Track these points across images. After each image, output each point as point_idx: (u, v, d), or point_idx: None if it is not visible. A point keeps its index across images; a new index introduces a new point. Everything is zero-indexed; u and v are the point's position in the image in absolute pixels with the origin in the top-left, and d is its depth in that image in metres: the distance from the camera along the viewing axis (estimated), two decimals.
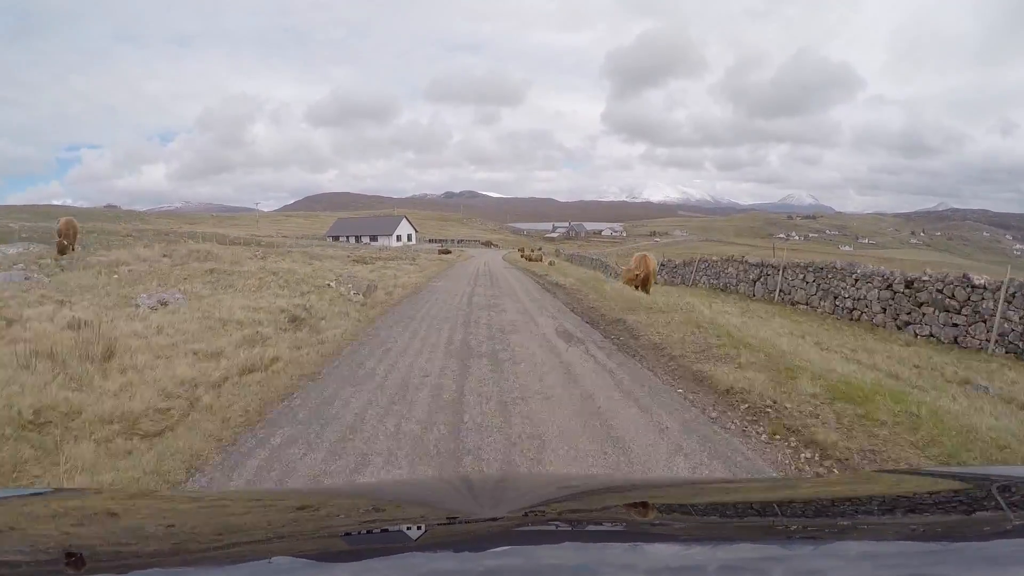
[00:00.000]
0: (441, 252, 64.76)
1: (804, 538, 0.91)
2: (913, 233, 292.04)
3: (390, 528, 1.00)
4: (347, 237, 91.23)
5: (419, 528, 0.96)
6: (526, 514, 1.07)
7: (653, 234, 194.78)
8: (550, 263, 39.13)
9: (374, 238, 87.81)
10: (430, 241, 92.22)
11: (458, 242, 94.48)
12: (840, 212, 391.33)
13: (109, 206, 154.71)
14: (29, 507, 1.12)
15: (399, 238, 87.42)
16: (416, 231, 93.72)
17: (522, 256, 57.55)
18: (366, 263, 30.14)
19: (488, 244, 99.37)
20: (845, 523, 1.05)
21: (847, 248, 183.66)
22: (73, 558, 0.81)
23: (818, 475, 3.46)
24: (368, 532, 0.98)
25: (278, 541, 0.94)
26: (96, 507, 1.20)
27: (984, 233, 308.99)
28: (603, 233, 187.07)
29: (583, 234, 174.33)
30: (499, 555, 0.76)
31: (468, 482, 1.83)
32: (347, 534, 0.96)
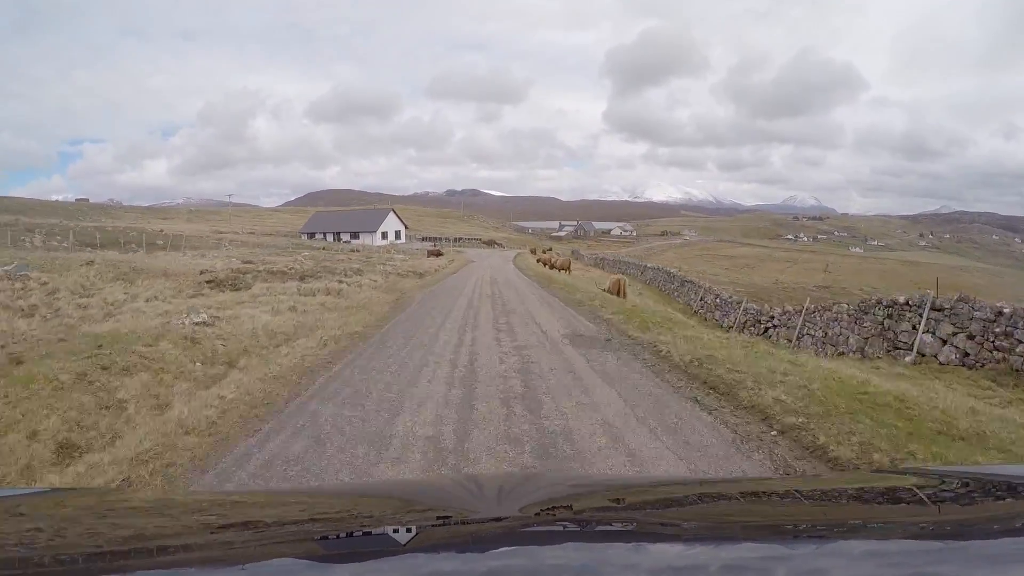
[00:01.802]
0: (430, 255, 47.96)
1: (807, 537, 0.89)
2: (921, 235, 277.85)
3: (395, 528, 0.96)
4: (324, 234, 74.33)
5: (422, 528, 0.94)
6: (531, 514, 1.05)
7: (664, 233, 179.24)
8: (620, 288, 19.30)
9: (355, 235, 70.89)
10: (423, 239, 75.48)
11: (455, 241, 77.40)
12: (846, 214, 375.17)
13: (80, 199, 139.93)
14: (29, 507, 1.10)
15: (384, 235, 70.45)
16: (406, 227, 76.72)
17: (538, 261, 40.93)
18: (234, 288, 13.51)
19: (491, 244, 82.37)
20: (848, 522, 1.01)
21: (857, 250, 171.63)
22: (72, 558, 0.80)
23: (822, 474, 3.28)
24: (371, 532, 0.95)
25: (279, 541, 0.91)
26: (95, 507, 1.19)
27: (993, 236, 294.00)
28: (612, 232, 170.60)
29: (592, 233, 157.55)
30: (502, 555, 0.75)
31: (475, 481, 1.76)
32: (350, 534, 0.94)
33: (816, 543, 0.83)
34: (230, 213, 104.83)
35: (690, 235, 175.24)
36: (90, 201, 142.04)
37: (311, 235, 75.30)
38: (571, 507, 1.15)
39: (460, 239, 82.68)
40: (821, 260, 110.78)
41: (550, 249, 64.32)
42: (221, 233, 75.62)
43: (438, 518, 1.03)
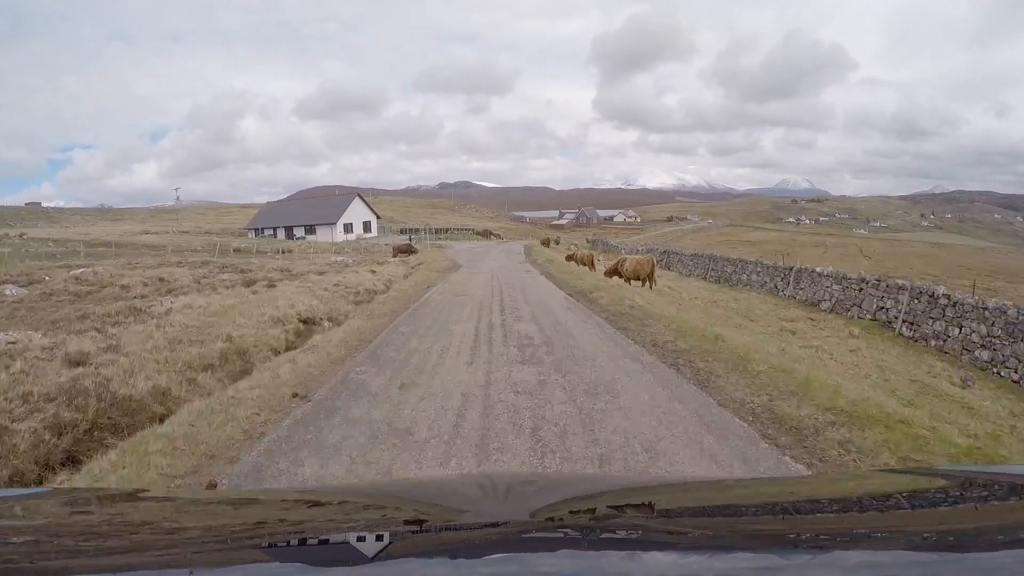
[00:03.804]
0: (397, 253, 30.72)
1: (803, 546, 0.85)
2: (923, 216, 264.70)
3: (387, 531, 0.94)
4: (274, 230, 56.60)
5: (415, 532, 0.92)
6: (530, 519, 1.03)
7: (671, 219, 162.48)
8: None
9: (310, 229, 53.02)
10: (402, 231, 57.98)
11: (437, 232, 59.32)
12: (843, 196, 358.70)
13: (31, 204, 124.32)
14: (30, 507, 1.09)
15: (348, 228, 52.48)
16: (378, 217, 58.71)
17: (569, 260, 20.89)
18: None
19: (487, 235, 64.50)
20: (852, 530, 0.98)
21: (862, 231, 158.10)
22: (74, 558, 0.79)
23: (831, 473, 3.01)
24: (364, 535, 0.93)
25: (276, 543, 0.90)
26: (95, 508, 1.17)
27: (995, 215, 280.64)
28: (615, 219, 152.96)
29: (595, 220, 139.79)
30: (494, 562, 0.74)
31: (478, 482, 1.69)
32: (345, 538, 0.92)
33: (812, 553, 0.80)
34: (177, 212, 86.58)
35: (696, 220, 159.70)
36: (42, 204, 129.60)
37: (258, 231, 57.59)
38: (572, 512, 1.10)
39: (448, 230, 64.81)
40: (847, 243, 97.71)
41: (557, 241, 46.63)
42: (148, 233, 58.14)
43: (429, 522, 1.00)
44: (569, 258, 22.36)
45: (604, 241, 46.22)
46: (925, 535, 0.89)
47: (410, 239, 42.96)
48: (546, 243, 41.17)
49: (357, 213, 54.35)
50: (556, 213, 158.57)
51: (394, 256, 30.53)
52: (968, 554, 0.79)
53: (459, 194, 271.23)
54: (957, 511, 1.07)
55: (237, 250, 36.53)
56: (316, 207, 55.97)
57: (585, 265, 21.31)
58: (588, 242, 55.46)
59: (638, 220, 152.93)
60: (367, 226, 55.38)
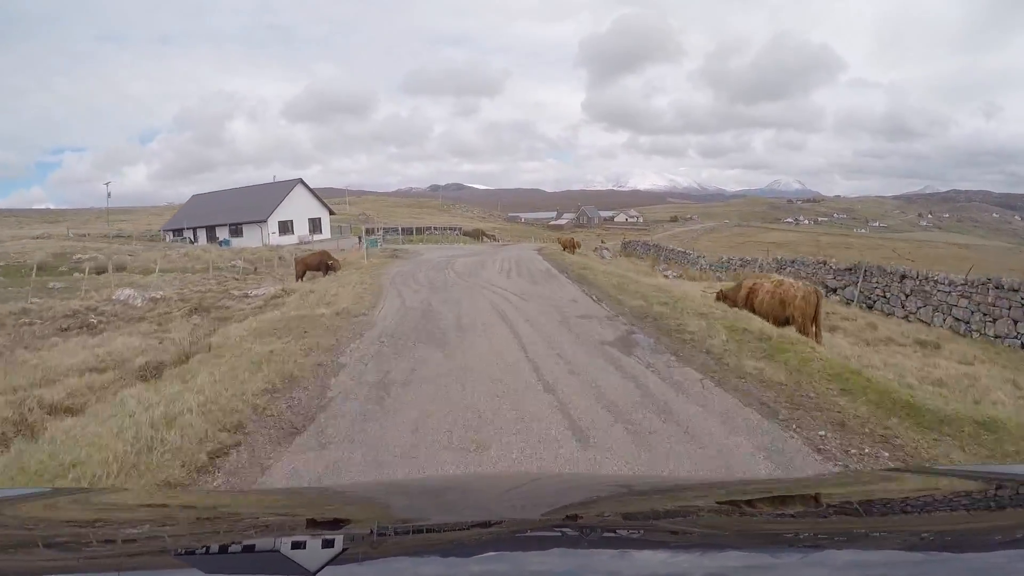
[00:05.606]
0: (305, 270, 15.75)
1: (794, 545, 0.84)
2: (920, 215, 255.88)
3: (381, 529, 0.91)
4: (194, 231, 41.26)
5: (407, 531, 0.91)
6: (521, 519, 1.02)
7: (675, 219, 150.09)
8: None
9: (236, 230, 38.05)
10: (366, 231, 43.22)
11: (403, 231, 43.66)
12: (838, 196, 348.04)
13: None
14: (30, 507, 1.08)
15: (285, 227, 37.16)
16: (331, 212, 42.91)
17: (749, 303, 7.36)
18: None
19: (480, 236, 49.44)
20: (842, 529, 0.95)
21: (863, 231, 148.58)
22: (74, 557, 0.79)
23: (824, 474, 2.95)
24: (356, 532, 0.92)
25: (262, 542, 0.88)
26: (95, 507, 1.16)
27: (993, 214, 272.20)
28: (617, 219, 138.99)
29: (596, 221, 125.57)
30: (485, 560, 0.73)
31: (474, 482, 1.67)
32: (335, 537, 0.89)
33: (803, 552, 0.79)
34: (107, 210, 71.06)
35: (698, 220, 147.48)
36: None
37: (177, 232, 42.37)
38: (567, 512, 1.07)
39: (428, 230, 49.78)
40: (875, 244, 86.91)
41: (578, 244, 31.54)
42: (40, 238, 43.16)
43: (419, 521, 0.99)
44: (726, 299, 7.59)
45: (657, 245, 31.12)
46: (923, 535, 0.87)
47: (359, 241, 28.18)
48: (569, 247, 26.51)
49: (300, 207, 39.14)
50: (553, 213, 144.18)
51: (299, 278, 15.74)
52: (961, 554, 0.77)
53: (450, 196, 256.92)
54: (953, 511, 1.04)
55: (63, 272, 21.66)
56: (247, 200, 40.47)
57: (789, 322, 6.73)
58: (622, 247, 41.02)
59: (640, 220, 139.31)
60: (316, 225, 40.20)
